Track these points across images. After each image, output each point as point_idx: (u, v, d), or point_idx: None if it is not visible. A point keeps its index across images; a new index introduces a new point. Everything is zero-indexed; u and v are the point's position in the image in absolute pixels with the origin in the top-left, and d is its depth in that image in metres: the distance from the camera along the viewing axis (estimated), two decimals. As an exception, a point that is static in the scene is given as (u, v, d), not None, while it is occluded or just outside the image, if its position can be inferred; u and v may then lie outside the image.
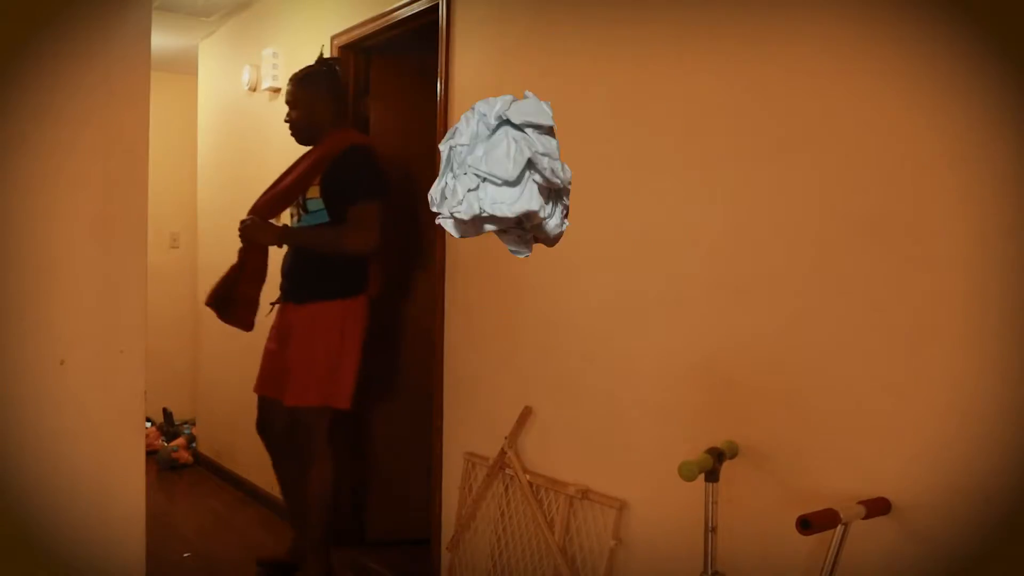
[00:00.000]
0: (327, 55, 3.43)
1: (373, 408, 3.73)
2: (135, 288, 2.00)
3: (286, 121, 3.32)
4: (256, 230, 3.17)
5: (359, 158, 3.16)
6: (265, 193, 3.28)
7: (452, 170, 1.31)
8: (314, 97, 3.25)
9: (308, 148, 3.33)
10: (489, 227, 1.31)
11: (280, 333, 3.25)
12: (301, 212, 3.23)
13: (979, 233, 1.60)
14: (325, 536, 3.19)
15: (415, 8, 3.16)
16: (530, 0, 2.68)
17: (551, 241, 1.35)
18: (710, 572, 1.90)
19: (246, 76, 4.37)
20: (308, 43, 3.89)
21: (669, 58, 2.21)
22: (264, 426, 3.35)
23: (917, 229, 1.70)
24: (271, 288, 3.29)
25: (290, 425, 3.22)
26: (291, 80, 3.30)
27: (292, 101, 3.29)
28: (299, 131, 3.30)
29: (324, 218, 3.17)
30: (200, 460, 5.16)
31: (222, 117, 4.85)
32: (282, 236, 3.20)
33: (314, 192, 3.19)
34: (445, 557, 2.99)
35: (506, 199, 1.25)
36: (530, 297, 2.67)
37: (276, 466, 3.40)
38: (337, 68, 3.35)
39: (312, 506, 3.17)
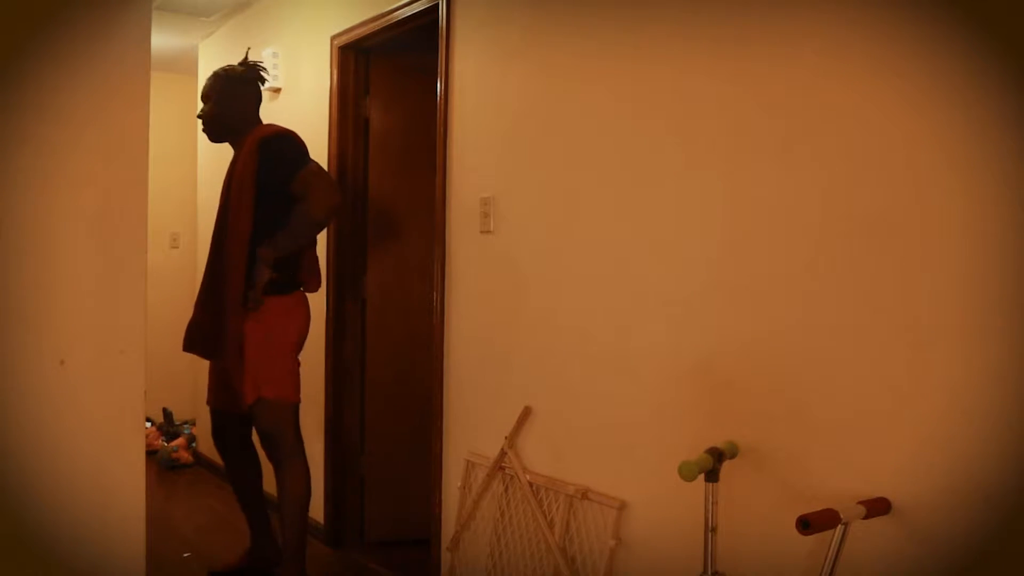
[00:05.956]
0: (252, 59, 3.36)
1: (374, 407, 3.74)
2: (135, 288, 1.99)
3: (199, 116, 3.23)
4: (260, 277, 2.99)
5: (280, 143, 3.11)
6: (225, 220, 3.13)
7: None
8: (235, 94, 3.20)
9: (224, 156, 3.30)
10: None
11: None
12: None
13: (979, 233, 1.60)
14: (302, 540, 3.12)
15: (415, 8, 3.16)
16: (530, 0, 2.68)
17: None
18: (710, 572, 1.90)
19: (246, 76, 4.37)
20: (308, 43, 3.89)
21: (670, 58, 2.22)
22: (219, 435, 3.33)
23: (917, 229, 1.70)
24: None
25: (251, 431, 3.20)
26: (213, 75, 3.23)
27: (209, 94, 3.20)
28: (211, 125, 3.21)
29: None
30: (200, 460, 5.16)
31: (222, 117, 4.85)
32: (270, 255, 3.00)
33: None
34: (445, 557, 2.99)
35: None
36: (530, 297, 2.67)
37: (231, 474, 3.37)
38: (263, 76, 3.29)
39: (287, 509, 3.09)
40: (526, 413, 2.66)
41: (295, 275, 3.15)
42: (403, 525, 3.68)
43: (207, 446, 5.09)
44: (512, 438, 2.68)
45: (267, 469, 3.26)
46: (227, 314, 3.04)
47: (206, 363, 3.40)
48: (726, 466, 1.95)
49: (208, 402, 3.31)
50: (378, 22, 3.36)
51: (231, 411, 3.19)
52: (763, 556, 1.97)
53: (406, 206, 3.72)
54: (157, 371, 4.50)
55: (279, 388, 3.08)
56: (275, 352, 3.07)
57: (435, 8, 3.05)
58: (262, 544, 3.36)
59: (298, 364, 3.15)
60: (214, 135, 3.27)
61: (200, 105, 3.31)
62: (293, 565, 3.10)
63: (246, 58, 3.32)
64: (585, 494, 2.42)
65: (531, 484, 2.60)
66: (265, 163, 3.05)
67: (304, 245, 3.12)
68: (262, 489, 3.37)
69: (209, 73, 3.31)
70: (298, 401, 3.15)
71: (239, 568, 3.36)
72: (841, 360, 1.82)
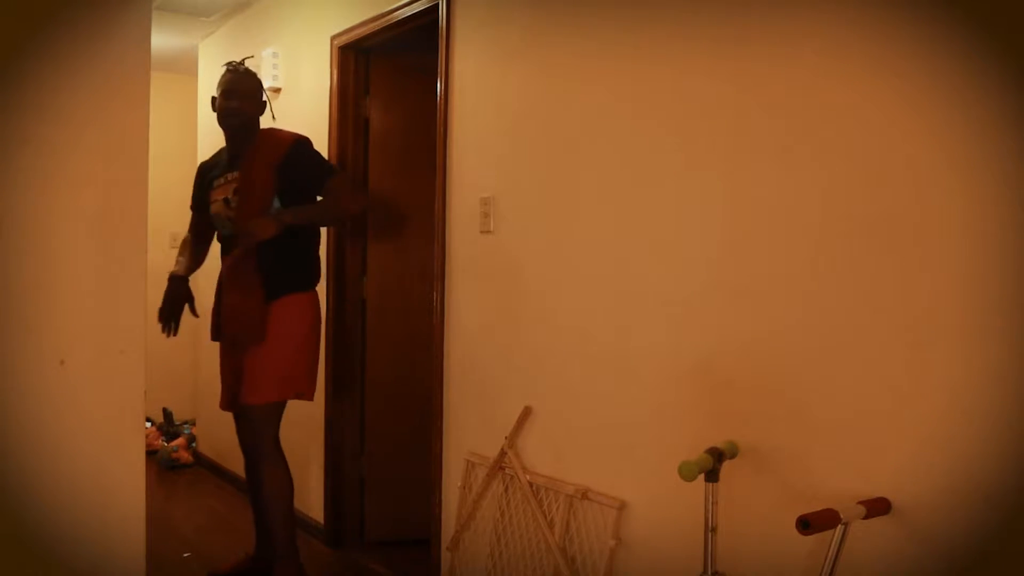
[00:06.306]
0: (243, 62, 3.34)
1: (374, 407, 3.74)
2: (135, 288, 1.99)
3: (226, 108, 3.16)
4: (256, 227, 3.02)
5: (310, 148, 3.22)
6: (241, 207, 3.13)
7: None
8: (255, 91, 3.23)
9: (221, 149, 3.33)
10: None
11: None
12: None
13: (979, 233, 1.60)
14: (292, 538, 3.13)
15: (415, 8, 3.16)
16: (530, 0, 2.68)
17: None
18: (710, 572, 1.90)
19: (246, 76, 4.36)
20: (308, 43, 3.89)
21: (669, 58, 2.22)
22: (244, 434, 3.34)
23: (917, 229, 1.70)
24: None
25: (240, 425, 3.22)
26: (234, 70, 3.21)
27: (235, 90, 3.16)
28: (237, 120, 3.18)
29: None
30: (200, 460, 5.16)
31: (222, 117, 4.84)
32: (289, 219, 3.05)
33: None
34: (445, 557, 2.99)
35: None
36: (530, 297, 2.67)
37: (250, 474, 3.35)
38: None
39: (270, 513, 3.11)
40: (526, 413, 2.66)
41: (313, 271, 3.20)
42: (403, 525, 3.67)
43: (207, 446, 5.09)
44: (512, 438, 2.68)
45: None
46: (238, 291, 3.08)
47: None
48: (726, 466, 1.95)
49: (221, 406, 3.31)
50: (378, 22, 3.36)
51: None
52: (763, 556, 1.97)
53: (406, 206, 3.72)
54: (157, 371, 4.51)
55: (306, 392, 3.16)
56: (308, 355, 3.15)
57: (435, 8, 3.05)
58: (265, 545, 3.36)
59: (317, 359, 3.21)
60: (235, 129, 3.22)
61: (212, 99, 3.28)
62: (288, 563, 3.12)
63: (243, 61, 3.31)
64: (585, 494, 2.42)
65: (531, 484, 2.60)
66: (295, 164, 3.13)
67: (318, 224, 3.25)
68: None
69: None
70: (286, 400, 3.17)
71: (240, 571, 3.35)
72: (841, 360, 1.82)
